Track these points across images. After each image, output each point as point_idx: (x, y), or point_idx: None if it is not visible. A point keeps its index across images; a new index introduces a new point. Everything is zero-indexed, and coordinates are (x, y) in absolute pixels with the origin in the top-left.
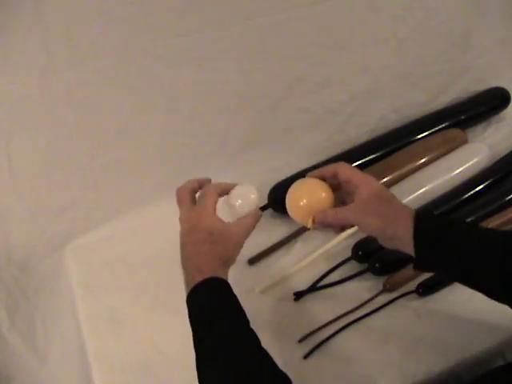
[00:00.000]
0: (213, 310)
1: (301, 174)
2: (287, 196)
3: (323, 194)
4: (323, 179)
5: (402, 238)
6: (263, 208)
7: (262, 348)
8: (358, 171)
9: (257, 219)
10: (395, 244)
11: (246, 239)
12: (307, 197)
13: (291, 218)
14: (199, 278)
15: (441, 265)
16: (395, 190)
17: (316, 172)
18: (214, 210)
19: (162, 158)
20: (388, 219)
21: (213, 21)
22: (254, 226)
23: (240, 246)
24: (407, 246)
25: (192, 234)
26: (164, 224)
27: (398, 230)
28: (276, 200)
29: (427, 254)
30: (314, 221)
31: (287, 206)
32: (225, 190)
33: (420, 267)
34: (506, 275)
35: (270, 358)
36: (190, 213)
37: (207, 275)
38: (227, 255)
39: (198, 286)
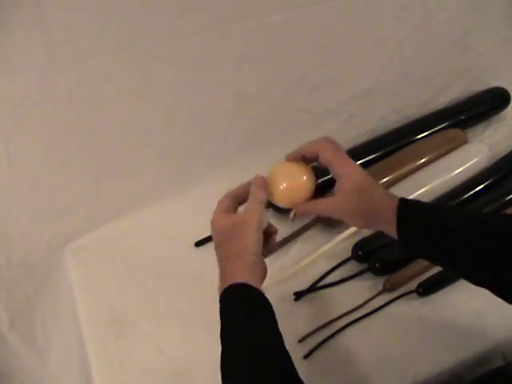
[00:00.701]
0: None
1: None
2: (268, 180)
3: (304, 178)
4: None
5: (387, 231)
6: None
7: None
8: (339, 155)
9: (259, 200)
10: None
11: (256, 222)
12: (287, 181)
13: (291, 219)
14: (221, 286)
15: (428, 258)
16: (395, 190)
17: (295, 153)
18: (221, 211)
19: (162, 158)
20: (369, 216)
21: (213, 21)
22: (260, 209)
23: (252, 230)
24: (394, 236)
25: (213, 240)
26: (164, 224)
27: (380, 225)
28: None
29: (414, 247)
30: (294, 214)
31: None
32: (240, 193)
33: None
34: (492, 261)
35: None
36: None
37: (225, 284)
38: (242, 246)
39: (221, 296)
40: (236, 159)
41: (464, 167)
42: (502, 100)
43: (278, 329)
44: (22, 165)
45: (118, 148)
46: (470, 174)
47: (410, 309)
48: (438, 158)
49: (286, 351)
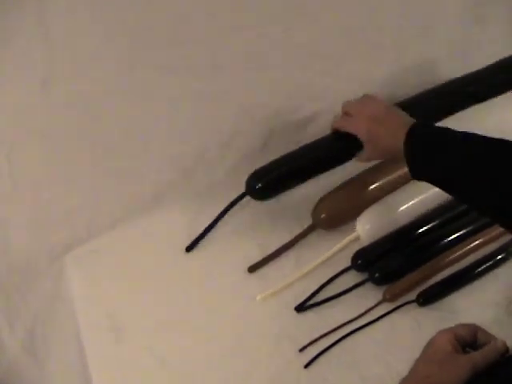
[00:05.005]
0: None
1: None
2: None
3: None
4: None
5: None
6: (240, 197)
7: None
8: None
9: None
10: None
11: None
12: None
13: (290, 225)
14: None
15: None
16: (396, 192)
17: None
18: (455, 335)
19: (163, 167)
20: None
21: (214, 30)
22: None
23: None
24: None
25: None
26: (165, 232)
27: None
28: (254, 187)
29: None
30: None
31: None
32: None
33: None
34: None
35: None
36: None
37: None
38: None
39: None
40: (236, 170)
41: None
42: None
43: None
44: (23, 174)
45: (118, 157)
46: None
47: (410, 318)
48: None
49: None
